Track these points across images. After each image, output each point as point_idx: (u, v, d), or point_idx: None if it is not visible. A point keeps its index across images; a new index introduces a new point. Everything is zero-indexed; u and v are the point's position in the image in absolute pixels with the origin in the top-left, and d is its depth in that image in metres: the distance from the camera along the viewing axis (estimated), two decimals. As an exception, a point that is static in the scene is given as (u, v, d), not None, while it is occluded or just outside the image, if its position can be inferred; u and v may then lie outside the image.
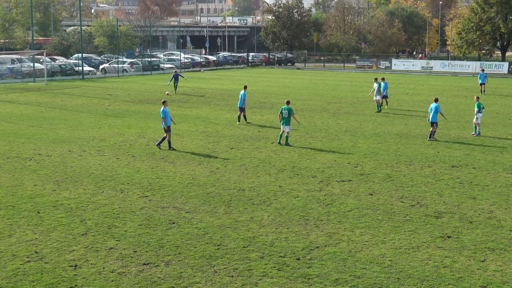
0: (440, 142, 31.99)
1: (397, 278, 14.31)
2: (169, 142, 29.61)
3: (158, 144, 29.74)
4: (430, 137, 32.54)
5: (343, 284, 14.00)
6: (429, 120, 32.78)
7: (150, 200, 20.72)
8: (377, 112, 43.43)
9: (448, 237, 17.17)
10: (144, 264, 15.06)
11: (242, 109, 37.85)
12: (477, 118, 34.00)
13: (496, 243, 16.68)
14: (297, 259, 15.40)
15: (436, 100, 32.93)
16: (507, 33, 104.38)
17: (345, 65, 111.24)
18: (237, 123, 37.75)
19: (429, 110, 32.85)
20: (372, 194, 21.59)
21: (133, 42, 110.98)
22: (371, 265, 15.06)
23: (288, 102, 30.72)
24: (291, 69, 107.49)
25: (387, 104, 45.90)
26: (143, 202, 20.41)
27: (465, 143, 31.74)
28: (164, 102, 29.98)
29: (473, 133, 34.16)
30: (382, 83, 45.02)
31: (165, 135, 29.62)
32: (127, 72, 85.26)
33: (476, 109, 33.96)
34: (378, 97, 43.72)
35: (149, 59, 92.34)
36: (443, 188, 22.58)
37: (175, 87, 56.54)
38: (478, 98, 34.95)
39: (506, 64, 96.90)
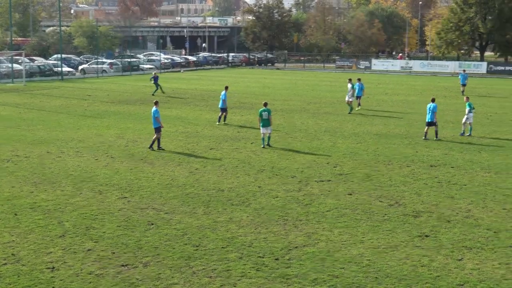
0: (418, 141, 32.15)
1: (375, 278, 14.36)
2: (159, 141, 29.54)
3: (159, 147, 29.55)
4: (436, 137, 32.91)
5: (322, 284, 14.03)
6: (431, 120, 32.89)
7: (129, 201, 20.64)
8: (349, 113, 43.41)
9: (426, 236, 17.26)
10: (122, 265, 15.01)
11: (223, 110, 37.80)
12: (467, 118, 34.11)
13: (473, 242, 16.79)
14: (276, 259, 15.40)
15: (433, 100, 33.04)
16: (485, 33, 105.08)
17: (325, 65, 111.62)
18: (217, 123, 37.73)
19: (427, 111, 32.89)
20: (351, 194, 21.65)
21: (112, 42, 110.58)
22: (350, 265, 15.10)
23: (266, 104, 30.59)
24: (271, 69, 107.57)
25: (359, 106, 45.82)
26: (121, 203, 20.33)
27: (444, 143, 31.92)
28: (156, 103, 29.91)
29: (468, 133, 34.13)
30: (358, 84, 45.13)
31: (156, 136, 29.49)
32: (106, 72, 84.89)
33: (467, 108, 34.05)
34: (351, 98, 43.65)
35: (129, 60, 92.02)
36: (422, 187, 22.70)
37: (159, 87, 56.17)
38: (468, 98, 35.10)
39: (484, 64, 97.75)
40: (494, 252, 16.10)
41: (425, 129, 33.06)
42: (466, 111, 34.07)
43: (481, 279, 14.35)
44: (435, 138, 32.74)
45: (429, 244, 16.59)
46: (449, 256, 15.72)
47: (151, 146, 29.49)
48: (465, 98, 35.55)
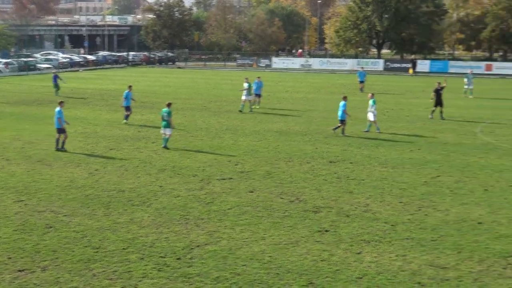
0: (318, 138, 32.66)
1: (276, 274, 14.49)
2: (63, 142, 28.86)
3: (59, 148, 28.82)
4: (342, 133, 33.63)
5: (224, 282, 14.05)
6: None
7: (26, 204, 20.07)
8: (240, 111, 43.20)
9: (326, 231, 17.55)
10: (19, 270, 14.59)
11: (128, 109, 37.25)
12: (375, 115, 34.80)
13: (371, 235, 17.19)
14: (178, 259, 15.33)
15: (344, 98, 33.61)
16: (382, 32, 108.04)
17: (226, 63, 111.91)
18: (126, 121, 37.12)
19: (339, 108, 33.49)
20: (252, 192, 21.77)
21: (8, 41, 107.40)
22: (251, 262, 15.18)
23: (168, 104, 30.18)
24: (172, 68, 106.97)
25: (258, 104, 45.93)
26: (18, 207, 19.75)
27: (343, 139, 32.53)
28: (60, 103, 29.24)
29: (366, 130, 34.75)
30: (256, 82, 45.37)
31: (58, 137, 28.86)
32: (1, 72, 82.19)
33: (374, 105, 34.69)
34: (249, 97, 43.50)
35: (25, 59, 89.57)
36: (321, 183, 23.06)
37: (57, 88, 54.91)
38: (373, 94, 35.69)
39: (381, 62, 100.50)
40: (392, 244, 16.53)
41: (338, 125, 33.65)
42: (373, 108, 34.69)
43: (379, 271, 14.71)
44: (341, 134, 33.35)
45: (329, 239, 16.87)
46: (349, 250, 16.04)
47: (62, 147, 28.83)
48: (369, 94, 35.99)
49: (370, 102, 34.66)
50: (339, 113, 33.36)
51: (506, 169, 25.74)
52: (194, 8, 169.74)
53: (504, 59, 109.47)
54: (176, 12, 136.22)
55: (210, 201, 20.57)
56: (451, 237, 17.20)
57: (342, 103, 33.29)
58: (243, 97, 43.67)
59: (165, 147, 29.61)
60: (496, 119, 41.26)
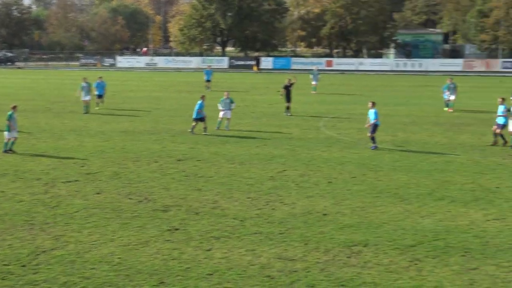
0: (165, 137, 32.53)
1: (126, 275, 14.29)
2: None
3: None
4: (191, 130, 33.63)
5: (72, 286, 13.69)
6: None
7: None
8: (85, 113, 41.97)
9: (176, 229, 17.50)
10: None
11: None
12: (231, 113, 35.13)
13: (220, 232, 17.31)
14: (23, 266, 14.77)
15: (202, 98, 33.67)
16: (226, 29, 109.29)
17: (69, 63, 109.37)
18: None
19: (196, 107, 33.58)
20: (99, 193, 21.36)
21: None
22: (100, 265, 14.88)
23: (13, 107, 28.86)
24: (11, 68, 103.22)
25: (102, 103, 45.16)
26: None
27: (189, 137, 32.59)
28: None
29: (217, 127, 34.83)
30: (98, 82, 44.60)
31: None
32: None
33: (234, 103, 35.09)
34: (87, 97, 42.61)
35: None
36: (170, 182, 22.99)
37: None
38: (228, 93, 35.89)
39: (226, 59, 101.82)
40: (241, 240, 16.72)
41: (193, 124, 33.70)
42: (233, 106, 35.13)
43: (230, 267, 14.84)
44: (189, 130, 33.45)
45: (179, 237, 16.84)
46: (199, 247, 16.07)
47: None
48: (225, 93, 35.91)
49: (227, 100, 35.00)
50: (194, 113, 33.44)
51: (348, 162, 26.73)
52: (34, 6, 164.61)
53: (343, 55, 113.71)
54: (15, 11, 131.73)
55: (55, 204, 19.99)
56: (298, 229, 17.63)
57: (199, 102, 33.42)
58: (82, 98, 42.62)
59: (6, 151, 28.23)
60: (337, 113, 42.79)
